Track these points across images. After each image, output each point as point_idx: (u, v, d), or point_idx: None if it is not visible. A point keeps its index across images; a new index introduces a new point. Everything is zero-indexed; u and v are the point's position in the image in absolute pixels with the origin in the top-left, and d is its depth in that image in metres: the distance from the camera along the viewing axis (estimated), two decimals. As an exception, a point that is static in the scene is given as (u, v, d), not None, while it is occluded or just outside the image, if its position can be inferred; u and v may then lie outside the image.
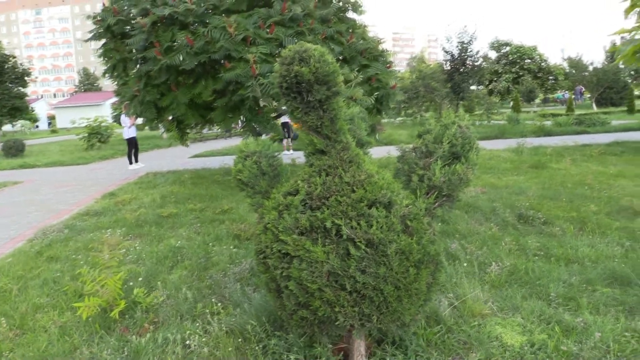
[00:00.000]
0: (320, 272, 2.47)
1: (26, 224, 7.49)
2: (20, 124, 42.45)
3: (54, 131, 47.82)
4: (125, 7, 8.56)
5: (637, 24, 9.73)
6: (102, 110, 44.99)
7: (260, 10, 7.98)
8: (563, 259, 4.51)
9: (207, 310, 3.54)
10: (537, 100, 52.17)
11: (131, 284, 4.11)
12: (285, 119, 14.01)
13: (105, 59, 9.20)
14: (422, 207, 2.69)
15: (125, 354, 3.13)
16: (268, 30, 7.75)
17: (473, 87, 30.93)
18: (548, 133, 17.61)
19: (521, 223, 5.83)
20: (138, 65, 8.66)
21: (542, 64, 50.05)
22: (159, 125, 11.03)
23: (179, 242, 5.65)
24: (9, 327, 3.70)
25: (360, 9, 9.15)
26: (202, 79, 8.22)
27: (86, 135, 20.75)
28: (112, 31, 8.73)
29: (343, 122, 2.74)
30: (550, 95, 53.60)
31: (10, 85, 24.26)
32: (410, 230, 2.59)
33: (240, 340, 3.14)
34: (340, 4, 8.94)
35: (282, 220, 2.63)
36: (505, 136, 17.48)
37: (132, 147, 14.31)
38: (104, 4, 8.96)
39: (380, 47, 9.31)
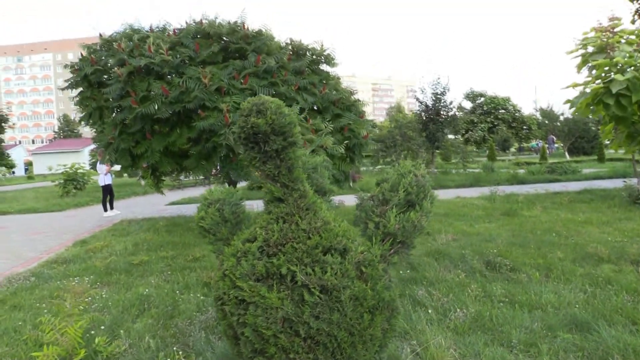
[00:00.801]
0: (275, 318, 2.50)
1: (-9, 272, 7.32)
2: (3, 169, 41.92)
3: (30, 177, 47.20)
4: (103, 57, 8.75)
5: (588, 78, 10.27)
6: (81, 157, 44.79)
7: (235, 62, 8.23)
8: (527, 306, 4.58)
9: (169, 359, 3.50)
10: (512, 149, 53.56)
11: (93, 332, 4.04)
12: None
13: (82, 106, 9.30)
14: (377, 254, 2.77)
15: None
16: (242, 81, 7.97)
17: (451, 136, 31.75)
18: (521, 181, 18.02)
19: (489, 270, 5.91)
20: (114, 114, 8.77)
21: (516, 114, 51.73)
22: (136, 172, 11.04)
23: (147, 290, 5.58)
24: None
25: (333, 61, 9.49)
26: (177, 127, 8.35)
27: (62, 181, 20.55)
28: (89, 80, 8.88)
29: (300, 171, 2.83)
30: (525, 144, 55.11)
31: (-15, 132, 24.22)
32: (364, 277, 2.66)
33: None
34: (314, 57, 9.26)
35: (240, 266, 2.67)
36: (480, 184, 17.81)
37: (107, 194, 14.21)
38: (81, 54, 9.14)
39: (353, 97, 9.61)
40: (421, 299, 4.76)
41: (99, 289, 5.82)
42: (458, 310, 4.42)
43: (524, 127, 51.93)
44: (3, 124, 25.10)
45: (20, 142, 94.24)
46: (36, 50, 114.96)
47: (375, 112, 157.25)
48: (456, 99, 58.65)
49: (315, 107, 8.89)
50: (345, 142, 8.43)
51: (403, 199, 3.03)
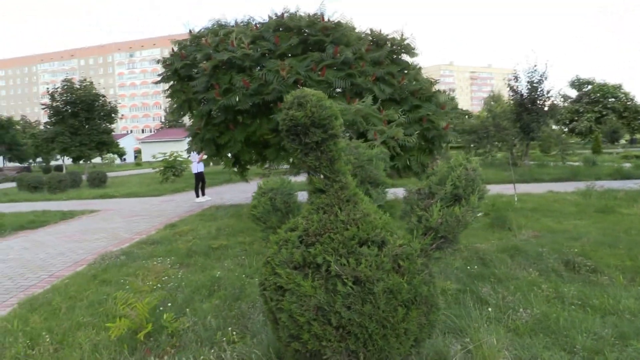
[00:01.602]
0: (308, 305, 2.57)
1: (91, 249, 8.10)
2: (109, 156, 46.06)
3: (138, 164, 51.25)
4: (191, 53, 9.27)
5: None
6: (183, 146, 47.67)
7: (313, 54, 8.36)
8: (600, 310, 4.27)
9: (224, 339, 3.70)
10: (623, 141, 49.23)
11: (161, 309, 4.36)
12: None
13: (173, 99, 9.93)
14: (417, 248, 2.74)
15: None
16: (320, 72, 8.08)
17: (555, 127, 29.82)
18: (626, 176, 16.58)
19: (567, 270, 5.56)
20: (200, 106, 9.28)
21: (629, 102, 47.43)
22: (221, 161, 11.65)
23: (219, 273, 5.90)
24: (51, 341, 4.05)
25: (413, 51, 9.31)
26: (257, 118, 8.66)
27: (162, 168, 22.07)
28: (179, 74, 9.46)
29: (342, 163, 2.87)
30: (639, 136, 50.51)
31: (98, 121, 26.57)
32: (402, 270, 2.64)
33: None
34: (393, 47, 9.15)
35: (279, 254, 2.77)
36: (577, 178, 16.64)
37: (199, 181, 15.08)
38: (172, 49, 9.76)
39: (434, 88, 9.38)
40: (485, 296, 4.61)
41: (177, 270, 6.24)
42: (521, 310, 4.22)
43: (638, 117, 47.46)
44: (113, 115, 27.37)
45: (131, 132, 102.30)
46: (146, 46, 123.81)
47: (473, 101, 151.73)
48: (558, 87, 54.85)
49: (393, 98, 8.79)
50: (417, 133, 8.27)
51: (450, 192, 2.97)
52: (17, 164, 47.80)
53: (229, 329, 3.92)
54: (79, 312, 4.73)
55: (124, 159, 64.54)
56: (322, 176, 2.84)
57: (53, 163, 45.97)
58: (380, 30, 9.33)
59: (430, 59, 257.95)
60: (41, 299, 5.26)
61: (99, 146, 26.91)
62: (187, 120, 13.11)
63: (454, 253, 6.43)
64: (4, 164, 51.25)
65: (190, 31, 9.64)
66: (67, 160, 34.47)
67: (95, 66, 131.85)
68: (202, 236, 8.53)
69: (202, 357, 3.46)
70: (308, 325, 2.59)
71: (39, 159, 46.97)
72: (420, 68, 9.65)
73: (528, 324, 3.99)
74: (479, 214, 10.03)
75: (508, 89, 21.10)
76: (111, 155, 45.00)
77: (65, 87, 25.47)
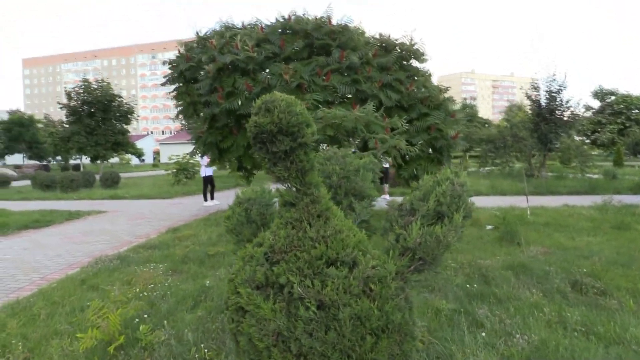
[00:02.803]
0: (267, 330, 2.35)
1: (89, 252, 7.98)
2: (127, 157, 46.57)
3: (155, 165, 51.60)
4: (197, 55, 9.14)
5: None
6: (199, 148, 47.76)
7: (319, 58, 8.15)
8: (605, 339, 3.96)
9: (197, 356, 3.50)
10: (647, 154, 47.99)
11: (137, 320, 4.18)
12: (385, 164, 14.04)
13: (178, 101, 9.82)
14: (391, 270, 2.50)
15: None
16: (324, 77, 7.87)
17: (577, 138, 29.09)
18: (648, 190, 16.02)
19: (574, 291, 5.24)
20: (205, 109, 9.13)
21: (654, 114, 46.28)
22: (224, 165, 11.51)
23: (209, 282, 5.70)
24: (23, 349, 3.90)
25: (422, 57, 9.05)
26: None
27: (174, 171, 22.05)
28: (184, 76, 9.33)
29: (315, 175, 2.64)
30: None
31: (114, 122, 26.75)
32: (372, 294, 2.40)
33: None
34: (402, 52, 8.90)
35: (243, 272, 2.56)
36: (596, 192, 16.11)
37: (208, 185, 14.96)
38: (178, 51, 9.65)
39: (443, 95, 9.09)
40: (481, 318, 4.32)
41: (168, 277, 6.06)
42: (519, 335, 3.93)
43: (663, 129, 46.22)
44: (129, 116, 27.54)
45: (151, 133, 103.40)
46: (169, 47, 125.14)
47: (494, 110, 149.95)
48: (580, 98, 53.87)
49: (400, 105, 8.53)
50: (424, 141, 8.00)
51: (432, 209, 2.72)
52: (37, 162, 48.53)
53: (203, 345, 3.71)
54: (58, 319, 4.58)
55: (143, 160, 65.10)
56: (293, 188, 2.62)
57: (72, 162, 46.56)
58: (390, 35, 9.10)
59: (451, 66, 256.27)
60: (23, 304, 5.12)
61: (114, 146, 27.09)
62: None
63: (456, 269, 6.16)
64: (23, 161, 52.11)
65: (197, 33, 9.52)
66: (86, 160, 34.87)
67: (118, 67, 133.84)
68: (201, 242, 8.36)
69: (169, 376, 3.25)
70: (267, 351, 2.37)
71: (58, 158, 47.63)
72: (430, 75, 9.38)
73: (524, 351, 3.70)
74: (489, 228, 9.62)
75: (526, 98, 20.63)
76: (128, 155, 45.46)
77: (83, 87, 25.69)
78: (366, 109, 6.40)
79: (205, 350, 3.55)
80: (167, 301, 5.03)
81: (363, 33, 9.31)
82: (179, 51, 9.60)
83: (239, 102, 7.89)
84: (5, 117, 49.53)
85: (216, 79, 8.45)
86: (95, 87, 25.96)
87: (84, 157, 32.04)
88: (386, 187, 16.16)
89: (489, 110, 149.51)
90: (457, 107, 9.39)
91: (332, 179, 3.52)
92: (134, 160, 61.53)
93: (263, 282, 2.45)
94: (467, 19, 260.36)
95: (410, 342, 2.52)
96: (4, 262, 7.38)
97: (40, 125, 46.21)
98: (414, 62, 9.35)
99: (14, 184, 24.59)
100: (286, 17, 9.03)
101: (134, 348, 3.77)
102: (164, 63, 10.14)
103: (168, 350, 3.74)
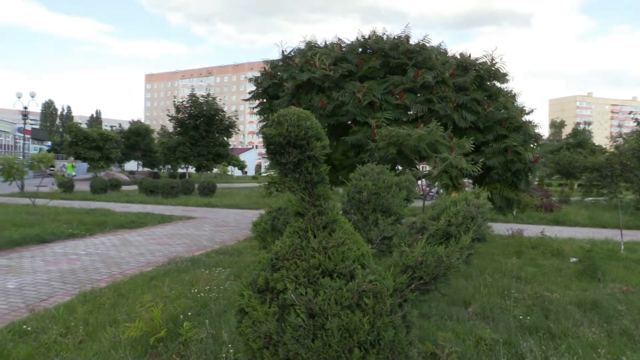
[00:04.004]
0: (259, 332, 2.45)
1: (168, 253, 8.59)
2: (226, 168, 49.16)
3: (254, 177, 53.73)
4: (279, 73, 9.56)
5: None
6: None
7: (394, 77, 8.18)
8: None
9: (224, 355, 3.68)
10: None
11: (181, 317, 4.45)
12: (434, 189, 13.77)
13: (262, 117, 10.30)
14: (389, 286, 2.50)
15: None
16: (397, 96, 7.88)
17: None
18: None
19: (644, 335, 4.76)
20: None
21: None
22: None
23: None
24: (84, 333, 4.33)
25: (504, 77, 8.74)
26: (334, 141, 8.66)
27: (266, 183, 22.89)
28: (267, 93, 9.79)
29: (324, 187, 2.72)
30: None
31: (217, 134, 28.40)
32: (365, 308, 2.43)
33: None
34: (481, 72, 8.65)
35: (248, 275, 2.69)
36: None
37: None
38: (264, 68, 10.15)
39: (524, 118, 8.69)
40: (524, 351, 4.08)
41: (229, 281, 6.36)
42: (559, 374, 3.67)
43: None
44: (230, 130, 29.15)
45: (256, 147, 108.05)
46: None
47: (613, 135, 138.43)
48: None
49: (476, 126, 8.29)
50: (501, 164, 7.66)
51: (442, 229, 2.68)
52: (149, 170, 52.75)
53: (230, 345, 3.88)
54: (118, 310, 5.01)
55: (245, 172, 68.14)
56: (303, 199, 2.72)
57: (180, 171, 50.01)
58: (470, 55, 8.89)
59: (565, 89, 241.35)
60: (96, 293, 5.65)
61: (215, 157, 28.76)
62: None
63: (517, 299, 5.84)
64: (138, 168, 56.86)
65: (282, 52, 9.97)
66: (192, 169, 37.28)
67: (229, 83, 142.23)
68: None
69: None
70: (260, 352, 2.47)
71: (168, 166, 51.39)
72: (513, 95, 9.02)
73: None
74: (573, 260, 8.95)
75: (635, 123, 18.95)
76: (230, 167, 47.79)
77: (190, 101, 27.65)
78: (430, 129, 6.32)
79: (232, 351, 3.72)
80: (219, 303, 5.30)
81: (444, 53, 9.21)
82: (265, 68, 10.11)
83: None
84: (127, 127, 54.77)
85: (294, 95, 8.79)
86: (202, 101, 27.82)
87: (190, 166, 34.32)
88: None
89: (607, 136, 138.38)
90: (538, 129, 8.88)
91: (362, 194, 3.57)
92: (237, 172, 64.65)
93: (263, 286, 2.57)
94: (587, 40, 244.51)
95: (403, 360, 2.50)
96: (94, 255, 8.17)
97: (155, 135, 50.26)
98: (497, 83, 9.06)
99: (125, 187, 26.92)
100: (366, 36, 9.19)
101: (174, 342, 4.03)
102: (249, 80, 10.74)
103: (203, 346, 3.96)
